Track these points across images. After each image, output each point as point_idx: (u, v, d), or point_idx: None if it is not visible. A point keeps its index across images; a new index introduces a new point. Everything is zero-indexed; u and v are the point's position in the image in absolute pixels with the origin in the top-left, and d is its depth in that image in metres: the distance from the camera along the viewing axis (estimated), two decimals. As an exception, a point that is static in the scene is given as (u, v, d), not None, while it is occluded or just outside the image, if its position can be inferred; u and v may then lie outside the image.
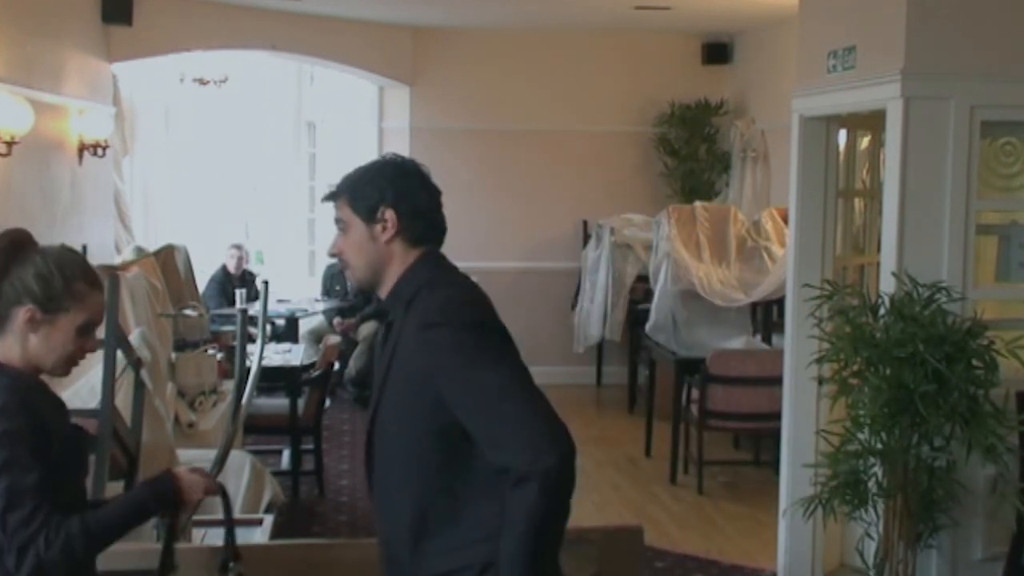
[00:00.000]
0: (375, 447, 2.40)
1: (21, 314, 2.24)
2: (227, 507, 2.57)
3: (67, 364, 2.33)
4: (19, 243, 2.29)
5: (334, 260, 2.53)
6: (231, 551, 2.56)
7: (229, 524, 2.58)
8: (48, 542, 2.12)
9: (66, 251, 2.33)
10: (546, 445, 2.15)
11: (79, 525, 2.15)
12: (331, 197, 2.44)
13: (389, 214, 2.36)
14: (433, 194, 2.45)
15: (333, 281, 9.46)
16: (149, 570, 2.60)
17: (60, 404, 2.42)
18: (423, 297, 2.32)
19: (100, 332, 3.84)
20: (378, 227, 2.37)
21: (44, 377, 2.39)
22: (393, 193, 2.37)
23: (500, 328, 2.30)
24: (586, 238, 9.80)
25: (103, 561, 2.40)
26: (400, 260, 2.38)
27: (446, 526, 2.28)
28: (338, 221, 2.42)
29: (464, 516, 2.27)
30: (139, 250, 7.76)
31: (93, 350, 2.37)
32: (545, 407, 2.20)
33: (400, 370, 2.31)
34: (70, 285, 2.27)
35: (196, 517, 3.71)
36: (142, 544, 3.45)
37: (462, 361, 2.22)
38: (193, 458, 4.91)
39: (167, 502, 2.32)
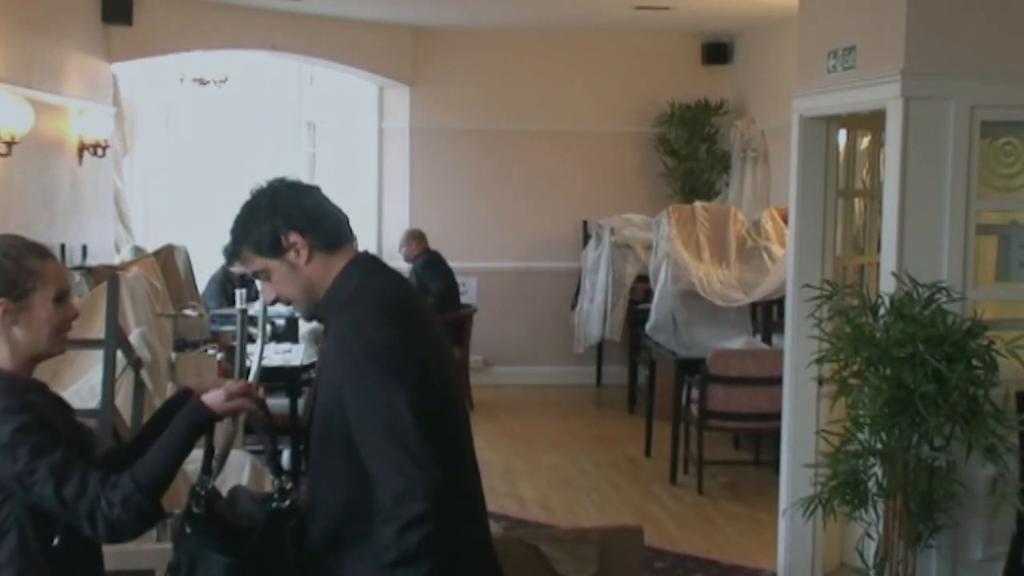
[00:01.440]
0: (308, 447, 2.38)
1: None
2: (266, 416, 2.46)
3: (60, 339, 2.32)
4: None
5: (292, 305, 2.46)
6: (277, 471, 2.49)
7: (270, 442, 2.50)
8: (110, 503, 2.14)
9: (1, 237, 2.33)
10: (411, 493, 2.13)
11: (131, 481, 2.17)
12: (234, 256, 2.39)
13: (293, 237, 2.31)
14: (313, 195, 2.38)
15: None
16: (149, 570, 2.60)
17: (64, 405, 2.42)
18: (349, 308, 2.28)
19: (100, 331, 3.86)
20: (291, 255, 2.32)
21: (44, 378, 2.39)
22: (281, 216, 2.31)
23: (412, 351, 2.23)
24: (586, 238, 9.80)
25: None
26: (327, 272, 2.34)
27: (357, 538, 2.25)
28: (256, 274, 2.38)
29: (371, 530, 2.22)
30: (138, 250, 7.75)
31: (77, 315, 2.36)
32: (425, 454, 2.15)
33: (326, 376, 2.30)
34: (22, 264, 2.26)
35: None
36: (142, 544, 3.45)
37: (361, 387, 2.19)
38: (193, 457, 4.90)
39: (203, 427, 2.32)
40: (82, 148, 7.21)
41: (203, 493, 2.40)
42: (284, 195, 2.35)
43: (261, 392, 2.43)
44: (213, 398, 2.28)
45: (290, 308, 8.52)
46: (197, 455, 5.13)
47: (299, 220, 2.31)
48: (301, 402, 6.65)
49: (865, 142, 5.22)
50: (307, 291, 2.35)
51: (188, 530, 2.37)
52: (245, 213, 2.36)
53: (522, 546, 3.35)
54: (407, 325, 2.26)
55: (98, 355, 3.96)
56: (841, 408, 4.18)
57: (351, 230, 2.40)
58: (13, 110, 5.72)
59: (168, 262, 7.28)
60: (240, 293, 6.03)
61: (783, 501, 4.95)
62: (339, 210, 2.39)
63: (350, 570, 2.26)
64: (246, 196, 2.40)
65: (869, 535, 4.13)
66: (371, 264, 2.40)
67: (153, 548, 3.36)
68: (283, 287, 2.35)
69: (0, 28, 5.95)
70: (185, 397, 2.37)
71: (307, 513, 2.41)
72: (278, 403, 6.75)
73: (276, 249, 2.31)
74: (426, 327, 2.35)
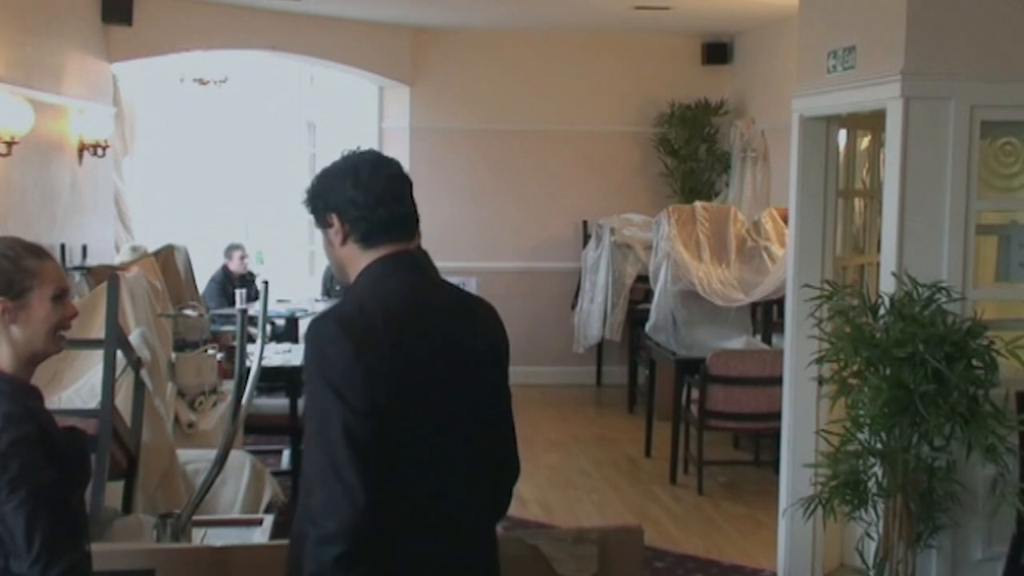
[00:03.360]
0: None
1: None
2: None
3: (57, 338, 2.32)
4: None
5: None
6: None
7: None
8: (82, 548, 2.13)
9: None
10: (329, 510, 2.12)
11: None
12: (306, 207, 2.43)
13: (333, 218, 2.33)
14: (369, 190, 2.31)
15: (333, 281, 9.46)
16: (149, 570, 2.60)
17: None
18: (355, 307, 2.28)
19: (100, 331, 3.86)
20: (331, 231, 2.35)
21: (44, 378, 2.38)
22: (326, 198, 2.34)
23: (364, 371, 2.16)
24: (586, 238, 9.80)
25: (102, 562, 2.40)
26: (357, 262, 2.34)
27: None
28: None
29: None
30: (138, 250, 7.75)
31: (75, 314, 2.36)
32: (352, 476, 2.11)
33: None
34: (20, 263, 2.26)
35: (196, 517, 3.72)
36: (142, 544, 3.45)
37: (309, 395, 2.22)
38: (193, 458, 4.91)
39: None
40: (82, 148, 7.21)
41: None
42: (335, 178, 2.34)
43: None
44: None
45: (291, 308, 8.50)
46: (196, 455, 5.14)
47: (341, 206, 2.32)
48: (301, 402, 6.65)
49: (865, 142, 5.21)
50: (338, 267, 2.40)
51: None
52: (316, 177, 2.40)
53: (522, 546, 3.34)
54: (370, 343, 2.19)
55: (98, 355, 3.96)
56: (841, 408, 4.18)
57: (404, 231, 2.34)
58: (13, 110, 5.72)
59: (168, 262, 7.28)
60: (240, 293, 6.05)
61: (783, 501, 4.95)
62: (399, 207, 2.34)
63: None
64: (328, 163, 2.43)
65: (869, 535, 4.13)
66: (389, 268, 2.33)
67: (153, 548, 3.36)
68: (325, 252, 2.43)
69: (0, 28, 5.94)
70: None
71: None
72: (278, 403, 6.76)
73: (320, 220, 2.37)
74: (421, 341, 2.26)
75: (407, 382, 2.22)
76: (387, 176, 2.34)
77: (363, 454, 2.14)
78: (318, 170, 2.43)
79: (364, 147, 2.46)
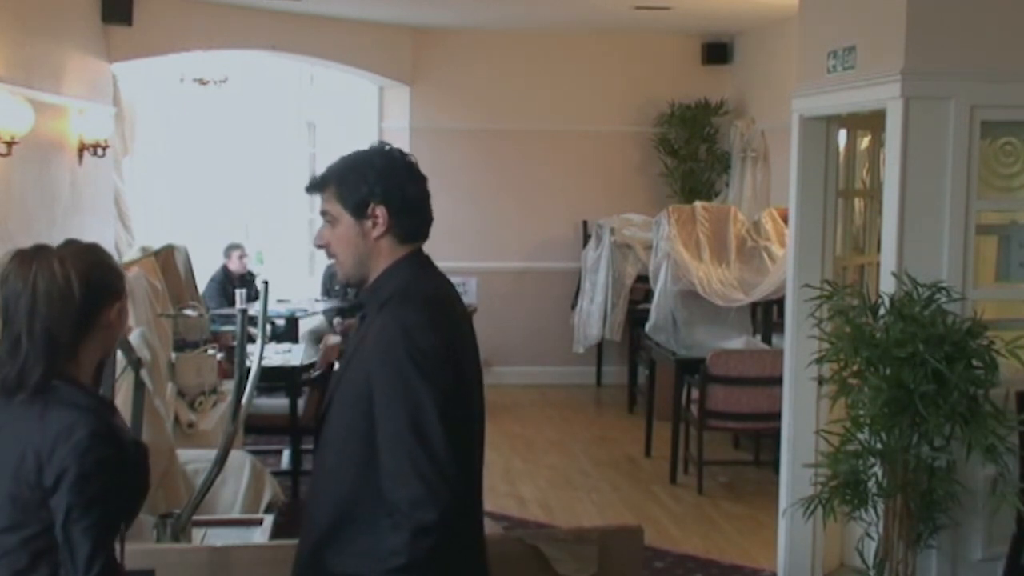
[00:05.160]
0: (323, 432, 2.38)
1: (112, 313, 2.26)
2: None
3: None
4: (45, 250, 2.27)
5: (334, 260, 2.43)
6: None
7: None
8: None
9: (77, 242, 2.34)
10: (429, 500, 2.11)
11: None
12: (316, 188, 2.36)
13: (380, 211, 2.30)
14: (421, 186, 2.37)
15: (333, 281, 9.46)
16: (149, 570, 2.60)
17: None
18: (395, 305, 2.26)
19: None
20: (368, 223, 2.31)
21: None
22: (383, 188, 2.30)
23: (451, 360, 2.23)
24: (586, 238, 9.80)
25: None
26: (387, 257, 2.34)
27: (362, 530, 2.24)
28: (324, 213, 2.36)
29: (380, 527, 2.21)
30: (147, 250, 7.74)
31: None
32: (449, 462, 2.14)
33: (358, 366, 2.29)
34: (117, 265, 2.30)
35: (196, 517, 3.72)
36: (142, 544, 3.45)
37: (394, 383, 2.18)
38: (193, 458, 4.91)
39: None
40: (82, 148, 7.21)
41: None
42: (396, 171, 2.34)
43: None
44: None
45: (291, 308, 8.47)
46: (196, 455, 5.14)
47: (395, 200, 2.31)
48: (301, 402, 6.65)
49: (865, 142, 5.21)
50: (359, 261, 2.35)
51: None
52: (353, 160, 2.35)
53: (522, 546, 3.35)
54: (451, 333, 2.27)
55: (98, 355, 3.95)
56: (841, 408, 4.18)
57: (427, 233, 2.40)
58: (13, 110, 5.71)
59: (168, 262, 7.28)
60: (240, 293, 6.05)
61: (783, 501, 4.95)
62: (430, 211, 2.40)
63: (350, 566, 2.25)
64: (369, 147, 2.41)
65: (869, 535, 4.13)
66: (421, 262, 2.39)
67: (153, 548, 3.36)
68: (340, 244, 2.35)
69: (0, 28, 5.94)
70: None
71: (308, 503, 2.41)
72: (278, 403, 6.76)
73: (358, 210, 2.31)
74: (464, 332, 2.36)
75: (468, 370, 2.31)
76: (422, 175, 2.39)
77: (454, 443, 2.17)
78: (347, 161, 2.36)
79: (374, 145, 2.47)
